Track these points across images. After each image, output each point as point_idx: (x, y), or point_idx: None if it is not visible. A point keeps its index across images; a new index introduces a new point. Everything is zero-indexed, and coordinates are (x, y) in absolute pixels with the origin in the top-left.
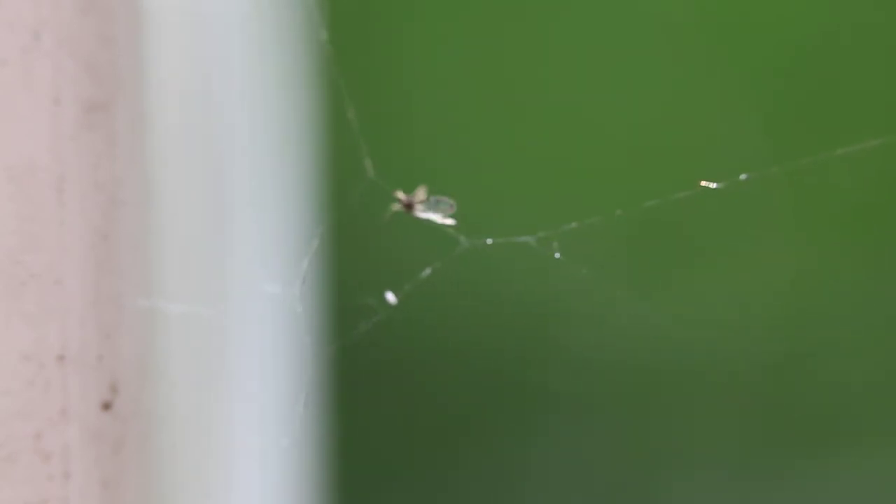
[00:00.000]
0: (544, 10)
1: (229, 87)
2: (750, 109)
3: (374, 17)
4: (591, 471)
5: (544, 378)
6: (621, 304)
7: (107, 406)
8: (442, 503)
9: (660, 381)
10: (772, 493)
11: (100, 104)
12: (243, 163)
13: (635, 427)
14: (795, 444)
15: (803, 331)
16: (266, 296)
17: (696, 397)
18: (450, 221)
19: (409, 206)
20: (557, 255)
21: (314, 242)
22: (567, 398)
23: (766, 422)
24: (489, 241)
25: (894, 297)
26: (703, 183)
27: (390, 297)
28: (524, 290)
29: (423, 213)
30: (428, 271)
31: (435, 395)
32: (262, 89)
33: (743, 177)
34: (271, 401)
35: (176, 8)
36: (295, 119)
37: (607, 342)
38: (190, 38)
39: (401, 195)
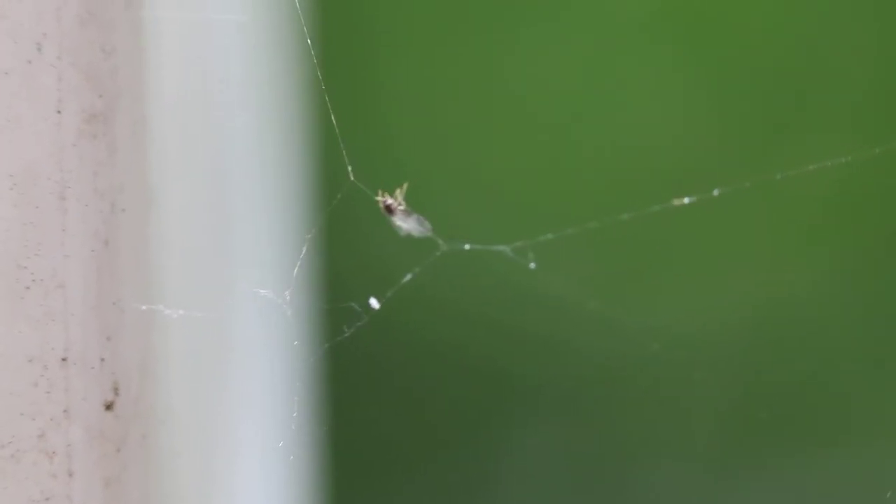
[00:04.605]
0: (525, 24)
1: (227, 96)
2: (723, 125)
3: (361, 25)
4: (571, 464)
5: (523, 377)
6: (594, 313)
7: (109, 406)
8: (429, 497)
9: (634, 382)
10: (750, 487)
11: (101, 113)
12: (240, 170)
13: (613, 425)
14: (771, 443)
15: (774, 338)
16: (259, 300)
17: (667, 396)
18: (419, 227)
19: (389, 209)
20: (532, 265)
21: (304, 247)
22: (544, 397)
23: (739, 423)
24: (467, 246)
25: (866, 304)
26: (676, 200)
27: (373, 301)
28: (500, 294)
29: (400, 221)
30: (409, 276)
31: (420, 394)
32: (258, 98)
33: (716, 192)
34: (268, 402)
35: (175, 19)
36: (289, 127)
37: (582, 346)
38: (189, 49)
39: (381, 198)
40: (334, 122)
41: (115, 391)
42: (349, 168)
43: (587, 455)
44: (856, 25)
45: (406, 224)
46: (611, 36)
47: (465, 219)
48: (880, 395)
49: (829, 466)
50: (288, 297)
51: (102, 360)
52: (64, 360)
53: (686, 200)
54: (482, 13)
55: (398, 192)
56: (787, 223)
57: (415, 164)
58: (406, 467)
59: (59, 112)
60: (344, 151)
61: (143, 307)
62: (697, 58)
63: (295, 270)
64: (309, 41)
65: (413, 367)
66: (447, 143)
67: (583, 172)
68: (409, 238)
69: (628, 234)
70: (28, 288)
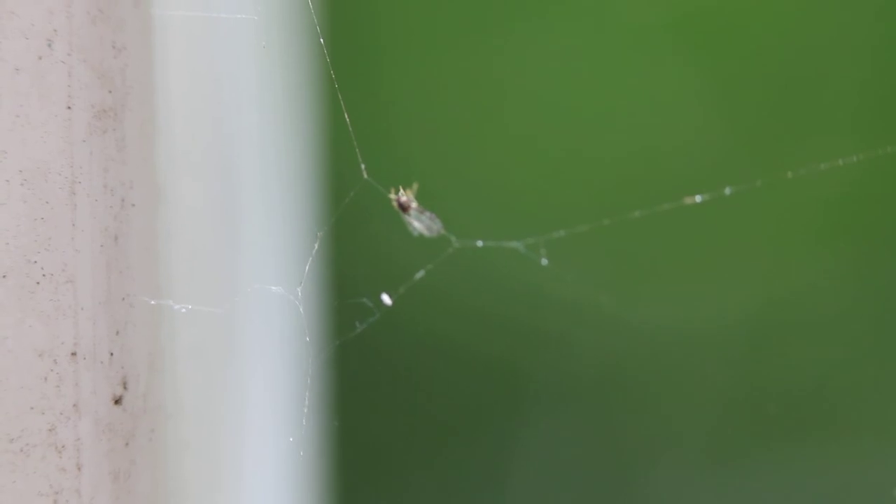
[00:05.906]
0: (536, 23)
1: (236, 93)
2: (735, 124)
3: (368, 26)
4: (577, 458)
5: (532, 375)
6: (604, 311)
7: (118, 401)
8: (437, 494)
9: (642, 377)
10: (757, 481)
11: (110, 109)
12: (249, 167)
13: (622, 422)
14: (779, 438)
15: (780, 336)
16: (270, 296)
17: (674, 392)
18: (432, 225)
19: (403, 207)
20: (545, 261)
21: (315, 244)
22: (554, 392)
23: (744, 416)
24: (479, 243)
25: (870, 303)
26: (687, 199)
27: (386, 298)
28: (511, 293)
29: (414, 219)
30: (421, 273)
31: (429, 391)
32: (267, 96)
33: (727, 190)
34: (278, 397)
35: (184, 17)
36: (298, 125)
37: (592, 344)
38: (198, 47)
39: (395, 196)
40: (347, 120)
41: (124, 385)
42: (363, 166)
43: (596, 451)
44: (869, 26)
45: (419, 222)
46: (623, 37)
47: (477, 217)
48: (885, 393)
49: (834, 461)
50: (300, 294)
51: (111, 354)
52: (73, 354)
53: (697, 199)
54: (497, 17)
55: (409, 192)
56: (795, 224)
57: (425, 162)
58: (414, 464)
59: (69, 108)
60: (357, 150)
61: (152, 302)
62: (707, 58)
63: (307, 267)
64: (322, 40)
65: (423, 365)
66: (458, 141)
67: (595, 170)
68: (421, 236)
69: (640, 232)
70: (38, 283)
